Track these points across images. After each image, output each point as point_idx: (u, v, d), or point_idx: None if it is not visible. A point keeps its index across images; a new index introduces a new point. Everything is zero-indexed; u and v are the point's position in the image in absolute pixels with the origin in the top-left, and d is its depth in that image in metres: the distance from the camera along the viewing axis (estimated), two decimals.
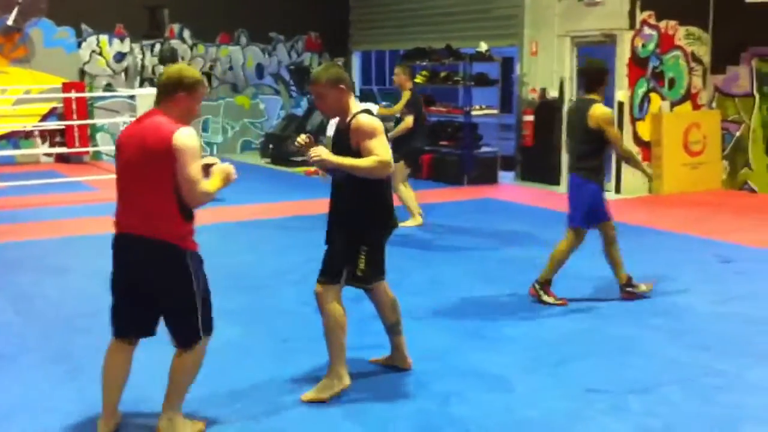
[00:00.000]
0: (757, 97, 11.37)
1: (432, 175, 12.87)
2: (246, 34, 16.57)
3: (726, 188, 11.78)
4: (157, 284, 3.88)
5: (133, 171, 3.81)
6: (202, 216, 9.60)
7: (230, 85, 16.63)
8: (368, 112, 4.43)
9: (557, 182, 12.25)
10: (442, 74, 13.13)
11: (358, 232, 4.45)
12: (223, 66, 16.47)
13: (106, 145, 15.03)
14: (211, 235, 8.84)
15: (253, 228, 9.34)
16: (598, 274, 7.18)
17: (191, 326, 3.90)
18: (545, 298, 6.27)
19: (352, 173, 4.33)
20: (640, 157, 7.30)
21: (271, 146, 14.99)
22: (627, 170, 11.43)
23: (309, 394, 4.50)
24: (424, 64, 13.43)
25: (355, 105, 4.48)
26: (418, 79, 13.30)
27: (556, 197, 11.38)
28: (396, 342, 4.87)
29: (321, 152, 4.28)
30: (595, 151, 6.17)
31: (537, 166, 12.52)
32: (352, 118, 4.37)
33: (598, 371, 4.91)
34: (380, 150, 4.29)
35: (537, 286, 6.32)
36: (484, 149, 12.93)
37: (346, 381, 4.52)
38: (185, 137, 3.74)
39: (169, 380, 3.99)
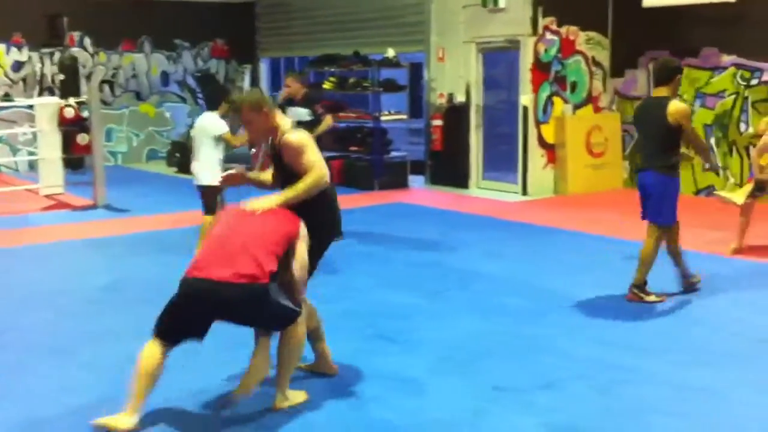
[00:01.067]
0: None
1: (342, 180, 12.85)
2: (150, 41, 16.23)
3: (627, 187, 12.15)
4: None
5: None
6: (113, 227, 9.26)
7: (134, 93, 16.25)
8: (296, 126, 4.57)
9: (466, 186, 12.43)
10: (351, 80, 13.16)
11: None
12: (126, 74, 16.10)
13: (4, 157, 14.48)
14: (124, 248, 8.64)
15: (163, 237, 9.13)
16: (502, 274, 7.31)
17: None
18: (647, 299, 6.30)
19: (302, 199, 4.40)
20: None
21: (177, 155, 14.73)
22: (533, 172, 11.70)
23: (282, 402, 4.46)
24: (333, 70, 13.43)
25: (283, 122, 4.59)
26: (327, 85, 13.30)
27: (465, 200, 11.56)
28: (319, 348, 4.87)
29: (262, 205, 4.33)
30: (674, 147, 6.28)
31: (446, 170, 12.67)
32: (281, 137, 4.47)
33: (506, 369, 4.99)
34: (313, 165, 4.40)
35: (635, 290, 6.33)
36: (394, 154, 13.02)
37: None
38: None
39: (279, 363, 4.33)
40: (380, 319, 6.02)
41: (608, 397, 4.57)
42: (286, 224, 4.30)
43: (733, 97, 10.87)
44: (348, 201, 11.44)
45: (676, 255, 6.56)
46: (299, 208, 4.44)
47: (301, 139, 4.47)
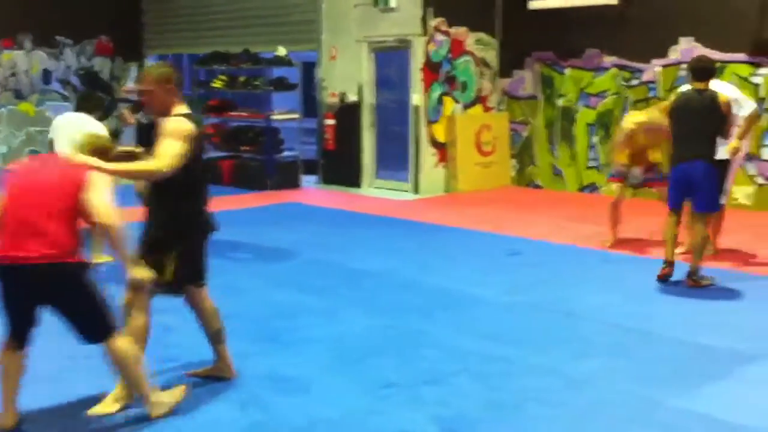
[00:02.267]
0: (541, 99, 12.10)
1: (233, 181, 12.67)
2: (30, 39, 15.55)
3: (515, 185, 12.44)
4: None
5: None
6: None
7: (13, 92, 15.54)
8: (187, 116, 4.38)
9: (359, 185, 12.43)
10: (242, 79, 12.97)
11: (163, 238, 4.36)
12: (5, 72, 15.37)
13: None
14: None
15: None
16: (392, 271, 7.33)
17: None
18: (704, 282, 6.57)
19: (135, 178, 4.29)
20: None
21: None
22: (424, 171, 11.81)
23: (96, 408, 4.32)
24: (223, 68, 13.20)
25: (179, 108, 4.43)
26: (217, 84, 13.07)
27: (357, 199, 11.57)
28: (220, 351, 4.77)
29: (86, 161, 4.15)
30: (717, 137, 6.58)
31: (339, 170, 12.64)
32: (167, 119, 4.34)
33: (395, 366, 5.00)
34: (165, 153, 4.18)
35: (694, 278, 6.57)
36: (286, 154, 12.90)
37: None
38: None
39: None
40: (268, 320, 5.94)
41: (493, 389, 4.63)
42: (68, 182, 4.02)
43: (614, 97, 11.25)
44: (239, 201, 11.31)
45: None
46: (161, 202, 4.35)
47: (177, 127, 4.27)
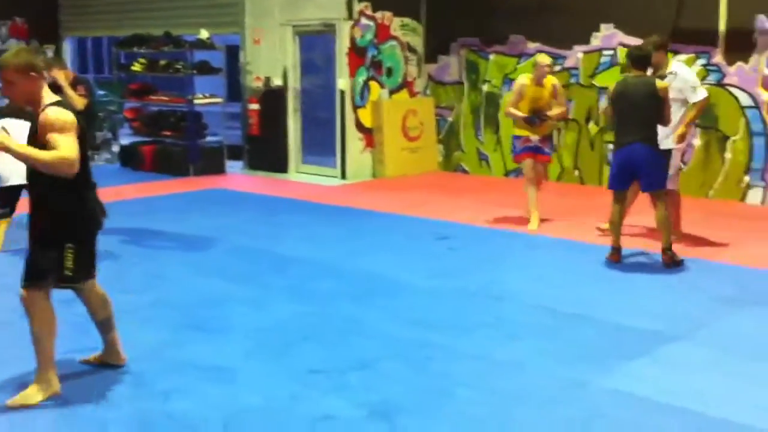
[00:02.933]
0: (466, 84, 12.15)
1: (155, 166, 12.38)
2: None
3: (442, 170, 12.49)
4: None
5: None
6: None
7: None
8: (60, 103, 4.17)
9: (285, 170, 12.29)
10: (162, 62, 12.66)
11: (60, 230, 4.21)
12: None
13: None
14: None
15: None
16: (319, 257, 7.27)
17: None
18: (677, 258, 6.80)
19: (35, 167, 4.05)
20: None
21: None
22: (351, 156, 11.75)
23: (16, 399, 4.18)
24: (143, 51, 12.85)
25: (48, 96, 4.19)
26: (136, 67, 12.74)
27: (284, 185, 11.44)
28: (109, 339, 4.66)
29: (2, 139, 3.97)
30: (656, 122, 6.82)
31: (265, 155, 12.47)
32: (42, 111, 4.10)
33: (322, 353, 4.95)
34: (64, 146, 3.99)
35: (669, 254, 6.78)
36: (210, 139, 12.65)
37: (56, 387, 4.27)
38: None
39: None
40: (192, 308, 5.81)
41: (420, 374, 4.62)
42: None
43: None
44: (162, 187, 11.06)
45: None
46: (51, 194, 4.18)
47: (64, 115, 4.07)
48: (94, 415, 4.09)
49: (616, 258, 6.91)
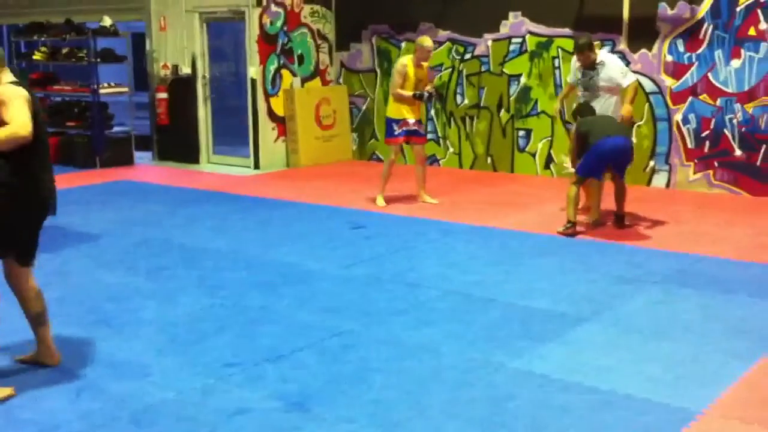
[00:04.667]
0: (379, 72, 12.16)
1: (60, 159, 11.96)
2: None
3: (356, 159, 12.48)
4: None
5: None
6: None
7: None
8: (19, 84, 4.24)
9: (197, 161, 12.08)
10: (64, 50, 12.24)
11: None
12: None
13: None
14: None
15: None
16: (230, 248, 7.18)
17: None
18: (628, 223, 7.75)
19: None
20: None
21: None
22: (264, 146, 11.62)
23: None
24: (44, 39, 12.40)
25: (6, 76, 4.27)
26: (38, 56, 12.30)
27: (195, 176, 11.24)
28: (41, 334, 4.53)
29: None
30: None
31: (175, 145, 12.23)
32: None
33: (234, 345, 4.88)
34: (16, 118, 4.04)
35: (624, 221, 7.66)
36: (116, 129, 12.33)
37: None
38: None
39: None
40: (99, 303, 5.66)
41: (336, 362, 4.61)
42: None
43: (449, 70, 11.46)
44: (66, 180, 10.70)
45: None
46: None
47: (15, 91, 4.15)
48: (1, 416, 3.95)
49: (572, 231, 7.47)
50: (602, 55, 7.92)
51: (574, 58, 8.06)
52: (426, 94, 8.62)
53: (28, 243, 4.39)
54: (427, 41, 8.70)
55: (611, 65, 7.82)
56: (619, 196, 7.70)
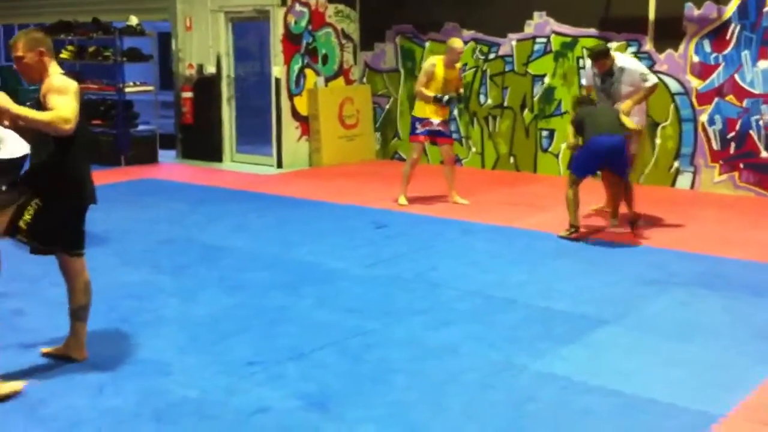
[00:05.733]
0: (402, 72, 12.15)
1: None
2: None
3: (379, 158, 12.48)
4: None
5: None
6: None
7: None
8: (68, 75, 4.42)
9: (220, 159, 12.14)
10: (91, 49, 12.34)
11: (31, 179, 4.35)
12: None
13: None
14: None
15: None
16: (252, 248, 7.20)
17: None
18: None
19: (35, 127, 4.14)
20: None
21: None
22: (287, 144, 11.66)
23: None
24: (70, 38, 12.52)
25: (54, 69, 4.37)
26: (64, 55, 12.41)
27: (218, 174, 11.29)
28: (77, 328, 4.59)
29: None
30: None
31: (198, 144, 12.30)
32: (47, 78, 4.28)
33: (255, 344, 4.90)
34: (62, 106, 4.13)
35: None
36: (141, 128, 12.41)
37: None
38: None
39: None
40: (121, 301, 5.69)
41: (356, 362, 4.61)
42: None
43: (473, 70, 11.43)
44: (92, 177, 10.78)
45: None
46: (41, 152, 4.31)
47: (68, 82, 4.26)
48: (23, 412, 3.97)
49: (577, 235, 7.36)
50: (621, 60, 7.81)
51: (589, 64, 8.00)
52: (445, 99, 8.57)
53: (72, 235, 4.48)
54: (457, 42, 8.66)
55: (632, 70, 7.71)
56: (626, 198, 7.50)
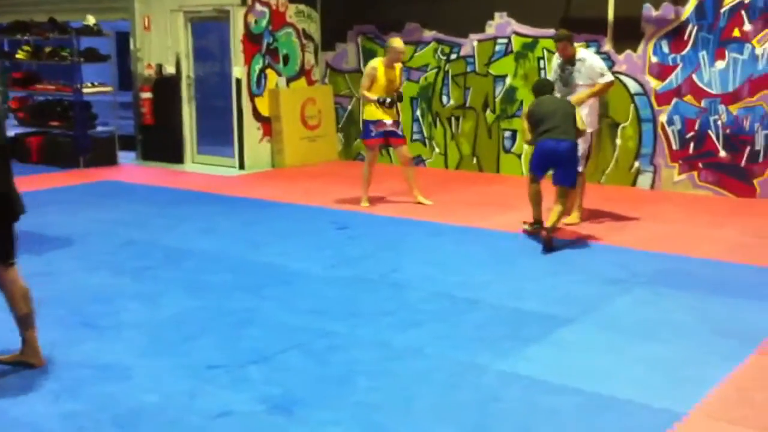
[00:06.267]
0: (364, 72, 12.08)
1: (42, 158, 11.89)
2: None
3: (342, 159, 12.44)
4: None
5: None
6: None
7: None
8: None
9: (181, 161, 12.01)
10: (48, 49, 12.13)
11: None
12: None
13: None
14: None
15: None
16: (215, 250, 7.13)
17: None
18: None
19: None
20: None
21: None
22: (249, 146, 11.57)
23: None
24: (26, 38, 12.30)
25: None
26: (20, 55, 12.20)
27: (179, 176, 11.17)
28: (28, 336, 4.50)
29: None
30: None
31: (159, 145, 12.15)
32: None
33: (220, 347, 4.84)
34: None
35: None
36: (100, 129, 12.23)
37: None
38: None
39: None
40: (82, 305, 5.59)
41: (321, 364, 4.57)
42: None
43: (435, 71, 11.44)
44: (49, 180, 10.63)
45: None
46: None
47: None
48: None
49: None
50: (582, 52, 7.93)
51: (556, 55, 8.08)
52: (387, 101, 8.57)
53: (2, 246, 4.36)
54: (397, 42, 8.71)
55: (591, 63, 7.82)
56: (574, 193, 7.58)
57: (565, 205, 7.30)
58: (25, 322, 4.48)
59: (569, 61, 7.84)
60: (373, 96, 8.60)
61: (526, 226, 7.52)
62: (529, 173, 7.50)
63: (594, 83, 7.79)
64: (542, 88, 7.58)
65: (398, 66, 8.85)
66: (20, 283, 4.45)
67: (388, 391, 4.23)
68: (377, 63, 8.73)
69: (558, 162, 7.15)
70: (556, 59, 8.08)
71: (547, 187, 7.44)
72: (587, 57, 7.88)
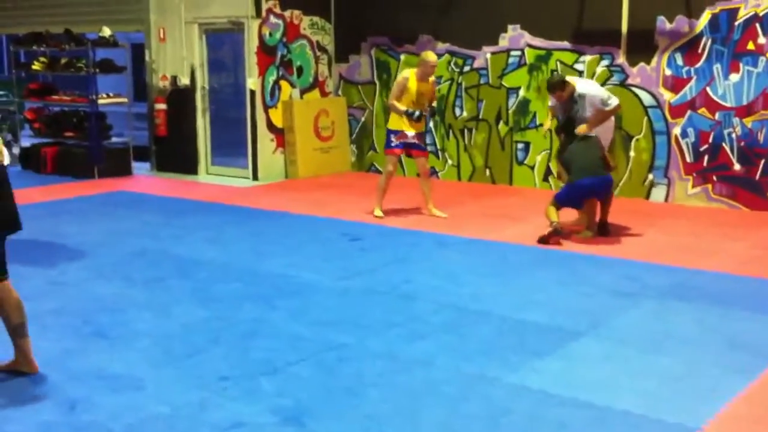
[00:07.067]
0: (378, 84, 12.16)
1: (57, 169, 11.98)
2: None
3: (355, 170, 12.47)
4: None
5: None
6: None
7: None
8: None
9: (195, 172, 12.07)
10: (63, 61, 12.24)
11: None
12: None
13: None
14: None
15: None
16: (226, 260, 7.15)
17: None
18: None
19: None
20: None
21: None
22: (263, 157, 11.62)
23: None
24: (42, 49, 12.41)
25: None
26: (36, 66, 12.31)
27: (193, 187, 11.22)
28: (21, 345, 4.52)
29: None
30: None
31: (173, 156, 12.22)
32: None
33: (229, 358, 4.85)
34: None
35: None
36: (115, 140, 12.32)
37: None
38: None
39: None
40: (95, 315, 5.62)
41: (330, 376, 4.58)
42: None
43: (448, 83, 11.47)
44: (63, 190, 10.70)
45: None
46: None
47: None
48: None
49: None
50: (580, 86, 7.89)
51: (553, 100, 8.13)
52: (416, 114, 8.56)
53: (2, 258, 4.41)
54: (431, 56, 8.63)
55: (591, 96, 7.80)
56: (603, 205, 7.88)
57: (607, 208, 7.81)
58: (18, 331, 4.52)
59: (570, 99, 7.82)
60: (402, 107, 8.59)
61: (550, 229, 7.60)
62: (555, 203, 7.72)
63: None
64: (568, 126, 7.88)
65: (431, 80, 8.80)
66: (14, 294, 4.50)
67: (398, 403, 4.23)
68: (410, 74, 8.67)
69: (599, 192, 7.69)
70: (552, 101, 8.12)
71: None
72: (585, 91, 7.83)
